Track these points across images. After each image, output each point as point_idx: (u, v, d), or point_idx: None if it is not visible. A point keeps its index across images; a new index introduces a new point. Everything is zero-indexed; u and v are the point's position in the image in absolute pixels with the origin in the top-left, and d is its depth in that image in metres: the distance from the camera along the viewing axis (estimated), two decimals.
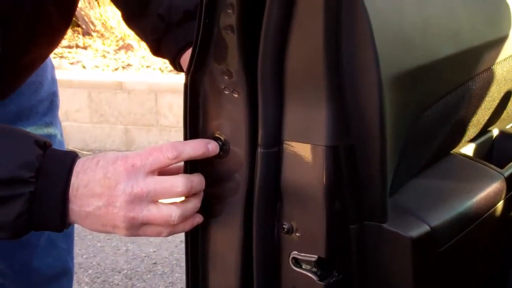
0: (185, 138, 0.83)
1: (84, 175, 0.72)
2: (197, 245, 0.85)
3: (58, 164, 0.72)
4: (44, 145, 0.72)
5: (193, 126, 0.81)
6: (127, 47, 5.21)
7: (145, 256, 2.44)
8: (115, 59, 4.94)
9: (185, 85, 0.81)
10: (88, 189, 0.72)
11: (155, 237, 2.55)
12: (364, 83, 0.70)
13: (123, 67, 4.67)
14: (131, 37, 5.46)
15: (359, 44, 0.68)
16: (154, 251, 2.47)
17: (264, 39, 0.71)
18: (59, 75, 4.21)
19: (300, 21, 0.70)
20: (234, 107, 0.77)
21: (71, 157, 0.74)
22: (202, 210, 0.82)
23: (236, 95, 0.76)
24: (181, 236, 2.64)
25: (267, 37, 0.71)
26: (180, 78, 4.04)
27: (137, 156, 0.74)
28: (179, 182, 0.76)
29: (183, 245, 2.48)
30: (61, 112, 4.04)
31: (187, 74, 0.80)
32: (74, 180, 0.72)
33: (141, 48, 5.23)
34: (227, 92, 0.78)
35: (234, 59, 0.75)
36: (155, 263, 2.38)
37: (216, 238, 0.83)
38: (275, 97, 0.74)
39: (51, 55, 1.22)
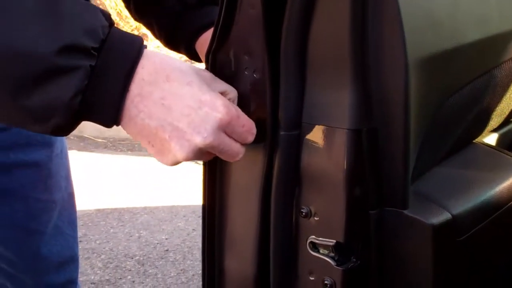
0: None
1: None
2: (213, 228, 0.84)
3: (125, 43, 0.61)
4: (110, 19, 0.62)
5: None
6: (142, 36, 5.22)
7: (157, 243, 2.44)
8: None
9: (206, 64, 0.79)
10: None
11: (167, 225, 2.54)
12: (389, 65, 0.68)
13: None
14: None
15: (385, 25, 0.67)
16: (166, 238, 2.48)
17: (288, 18, 0.70)
18: None
19: (326, 3, 0.68)
20: (254, 88, 0.76)
21: (140, 41, 0.63)
22: (220, 193, 0.81)
23: (257, 76, 0.75)
24: (194, 225, 2.63)
25: (291, 16, 0.70)
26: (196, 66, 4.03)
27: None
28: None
29: (195, 233, 2.49)
30: None
31: (207, 53, 0.79)
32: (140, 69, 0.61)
33: None
34: (247, 73, 0.77)
35: (256, 38, 0.73)
36: (167, 250, 2.38)
37: (233, 222, 0.82)
38: (297, 78, 0.73)
39: None
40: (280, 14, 0.71)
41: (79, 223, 2.62)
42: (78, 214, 2.71)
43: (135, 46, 0.62)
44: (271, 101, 0.74)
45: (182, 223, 2.62)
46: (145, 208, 2.80)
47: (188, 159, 0.66)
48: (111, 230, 2.56)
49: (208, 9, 1.11)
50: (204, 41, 1.10)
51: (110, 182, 3.09)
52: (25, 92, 0.57)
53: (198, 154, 0.67)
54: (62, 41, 0.56)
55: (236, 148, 0.70)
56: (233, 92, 0.74)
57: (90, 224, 2.61)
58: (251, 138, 0.72)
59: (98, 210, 2.78)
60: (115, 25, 0.62)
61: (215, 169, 0.82)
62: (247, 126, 0.71)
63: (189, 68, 0.68)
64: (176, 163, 0.68)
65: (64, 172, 1.26)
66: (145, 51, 0.63)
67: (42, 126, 0.60)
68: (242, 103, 0.77)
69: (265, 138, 0.76)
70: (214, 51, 0.78)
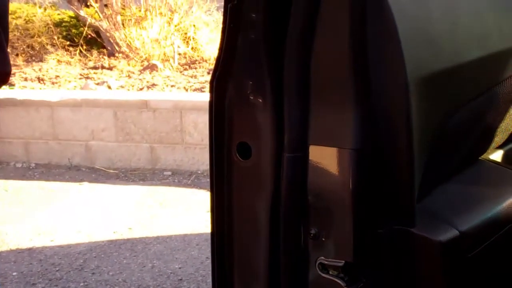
0: (211, 144, 0.83)
1: None
2: (223, 254, 0.85)
3: None
4: None
5: (218, 132, 0.82)
6: (152, 67, 5.28)
7: (170, 273, 2.43)
8: (140, 79, 5.01)
9: (210, 91, 0.81)
10: None
11: (181, 254, 2.52)
12: (390, 86, 0.69)
13: (148, 87, 4.73)
14: (156, 57, 5.53)
15: (385, 46, 0.68)
16: (179, 268, 2.47)
17: (290, 43, 0.72)
18: (85, 95, 4.25)
19: (326, 25, 0.70)
20: (259, 112, 0.77)
21: None
22: (228, 219, 0.82)
23: (261, 100, 0.76)
24: (207, 253, 2.63)
25: (293, 41, 0.72)
26: (204, 96, 4.07)
27: None
28: None
29: (208, 261, 2.47)
30: (87, 132, 4.08)
31: (212, 80, 0.80)
32: None
33: (166, 68, 5.30)
34: (252, 97, 0.78)
35: (259, 64, 0.75)
36: (181, 279, 2.37)
37: (242, 244, 0.83)
38: (300, 101, 0.74)
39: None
40: (282, 38, 0.73)
41: (92, 255, 2.63)
42: (91, 246, 2.72)
43: None
44: (276, 124, 0.76)
45: (195, 252, 2.61)
46: (157, 237, 2.80)
47: None
48: (124, 261, 2.55)
49: None
50: None
51: (123, 213, 3.10)
52: None
53: None
54: None
55: None
56: None
57: (103, 255, 2.62)
58: None
59: (111, 241, 2.78)
60: None
61: (223, 196, 0.83)
62: None
63: None
64: None
65: None
66: None
67: None
68: (247, 128, 0.79)
69: (271, 161, 0.77)
70: (218, 77, 0.79)
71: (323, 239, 0.74)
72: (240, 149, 0.80)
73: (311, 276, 0.75)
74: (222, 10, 0.78)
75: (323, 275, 0.73)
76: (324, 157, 0.73)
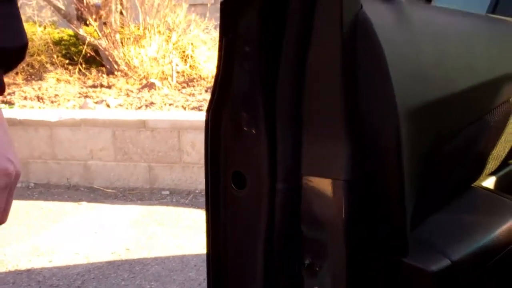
0: (206, 173, 0.84)
1: None
2: (219, 276, 0.85)
3: None
4: None
5: (214, 161, 0.83)
6: (150, 86, 5.31)
7: None
8: (138, 97, 5.03)
9: (206, 122, 0.82)
10: None
11: (178, 275, 2.51)
12: (381, 118, 0.70)
13: (146, 105, 4.75)
14: (154, 75, 5.56)
15: (375, 80, 0.69)
16: None
17: (282, 76, 0.73)
18: (84, 114, 4.25)
19: (317, 60, 0.71)
20: (252, 143, 0.78)
21: None
22: (222, 244, 0.82)
23: (254, 131, 0.78)
24: (205, 275, 2.61)
25: (285, 74, 0.73)
26: (202, 115, 4.08)
27: None
28: None
29: (205, 283, 2.46)
30: (86, 151, 4.08)
31: (208, 111, 0.82)
32: None
33: (164, 86, 5.32)
34: (246, 129, 0.79)
35: (253, 95, 0.76)
36: None
37: (237, 270, 0.83)
38: (293, 133, 0.75)
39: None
40: (275, 71, 0.74)
41: (90, 276, 2.62)
42: (89, 267, 2.71)
43: None
44: (269, 154, 0.77)
45: (193, 273, 2.61)
46: (155, 258, 2.79)
47: None
48: (122, 283, 2.55)
49: None
50: None
51: (121, 233, 3.10)
52: None
53: None
54: None
55: None
56: None
57: (101, 277, 2.61)
58: None
59: (109, 262, 2.78)
60: None
61: (218, 223, 0.84)
62: None
63: None
64: None
65: None
66: None
67: None
68: (241, 158, 0.80)
69: (265, 191, 0.78)
70: (214, 108, 0.81)
71: (317, 269, 0.74)
72: (235, 179, 0.81)
73: None
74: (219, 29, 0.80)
75: None
76: (317, 188, 0.74)
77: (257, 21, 0.75)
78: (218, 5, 0.81)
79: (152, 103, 4.82)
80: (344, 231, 0.72)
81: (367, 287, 0.73)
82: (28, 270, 2.72)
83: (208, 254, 0.85)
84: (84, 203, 3.56)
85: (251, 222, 0.80)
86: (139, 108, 4.75)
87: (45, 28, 6.77)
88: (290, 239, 0.76)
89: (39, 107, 4.87)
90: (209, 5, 6.00)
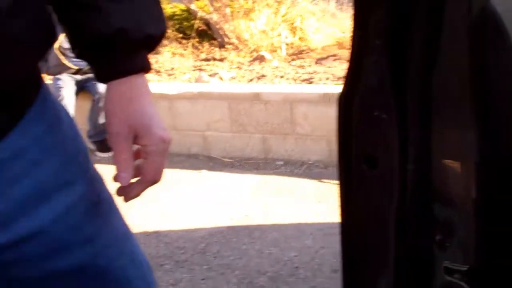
0: (340, 155, 0.92)
1: None
2: (353, 247, 0.93)
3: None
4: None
5: (345, 144, 0.90)
6: (261, 58, 5.44)
7: (287, 260, 2.56)
8: (249, 70, 5.18)
9: (339, 107, 0.90)
10: None
11: (296, 242, 2.63)
12: (510, 106, 0.74)
13: (258, 78, 4.88)
14: (264, 48, 5.68)
15: (505, 70, 0.73)
16: (295, 256, 2.59)
17: (412, 68, 0.79)
18: (200, 88, 4.45)
19: (445, 52, 0.76)
20: (384, 128, 0.85)
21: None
22: (355, 219, 0.90)
23: (385, 116, 0.84)
24: (321, 243, 2.72)
25: (414, 66, 0.78)
26: (313, 88, 4.15)
27: None
28: None
29: (323, 251, 2.58)
30: (203, 123, 4.29)
31: (340, 98, 0.89)
32: None
33: (274, 58, 5.43)
34: (376, 114, 0.86)
35: (383, 83, 0.82)
36: (297, 267, 2.49)
37: (368, 249, 0.91)
38: (423, 118, 0.81)
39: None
40: (404, 61, 0.80)
41: (213, 239, 2.82)
42: (211, 231, 2.91)
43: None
44: (400, 138, 0.83)
45: (309, 241, 2.72)
46: (273, 225, 2.94)
47: None
48: (243, 247, 2.72)
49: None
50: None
51: (239, 200, 3.28)
52: None
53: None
54: None
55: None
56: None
57: (223, 241, 2.80)
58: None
59: (230, 227, 2.96)
60: None
61: (351, 197, 0.92)
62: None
63: None
64: None
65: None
66: None
67: None
68: (372, 142, 0.86)
69: (396, 173, 0.84)
70: (345, 95, 0.88)
71: (447, 244, 0.80)
72: (367, 160, 0.88)
73: (436, 281, 0.82)
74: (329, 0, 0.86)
75: (448, 278, 0.80)
76: (447, 170, 0.79)
77: (387, 16, 0.80)
78: None
79: (263, 75, 4.94)
80: (474, 212, 0.77)
81: (500, 261, 0.78)
82: (156, 232, 2.96)
83: (341, 226, 0.93)
84: (204, 171, 3.79)
85: (384, 198, 0.86)
86: (251, 80, 4.89)
87: None
88: (421, 215, 0.82)
89: (158, 80, 5.16)
90: None
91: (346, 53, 5.60)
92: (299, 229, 2.87)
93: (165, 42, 6.40)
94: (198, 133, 4.08)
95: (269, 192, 3.38)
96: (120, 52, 0.79)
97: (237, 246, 2.75)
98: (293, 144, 3.80)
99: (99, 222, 0.85)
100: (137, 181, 0.82)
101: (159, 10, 0.83)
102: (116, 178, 0.80)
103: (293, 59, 5.45)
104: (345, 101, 0.89)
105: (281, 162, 3.82)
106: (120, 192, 0.82)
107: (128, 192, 0.82)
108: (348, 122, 0.89)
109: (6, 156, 0.72)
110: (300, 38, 5.88)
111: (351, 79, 0.87)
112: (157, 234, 2.95)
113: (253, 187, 3.48)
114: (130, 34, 0.77)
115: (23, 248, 0.75)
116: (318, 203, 3.16)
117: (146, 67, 0.82)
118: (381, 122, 0.85)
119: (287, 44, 5.77)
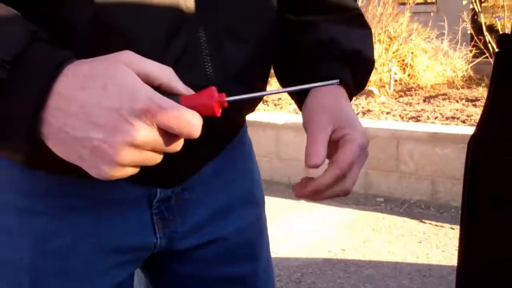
0: (464, 193, 0.93)
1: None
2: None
3: (44, 59, 0.55)
4: (34, 33, 0.56)
5: (473, 184, 0.92)
6: (368, 93, 5.43)
7: None
8: (355, 104, 5.19)
9: (467, 149, 0.91)
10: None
11: (392, 281, 2.56)
12: None
13: (364, 113, 4.88)
14: (372, 83, 5.67)
15: None
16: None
17: None
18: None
19: None
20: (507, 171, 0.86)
21: (60, 57, 0.56)
22: (476, 261, 0.90)
23: None
24: (418, 284, 2.64)
25: None
26: (421, 126, 4.08)
27: None
28: None
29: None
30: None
31: (470, 141, 0.91)
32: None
33: (381, 94, 5.40)
34: (505, 157, 0.87)
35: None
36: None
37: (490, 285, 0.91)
38: None
39: None
40: None
41: (309, 270, 2.84)
42: (307, 262, 2.93)
43: (54, 61, 0.56)
44: None
45: (406, 281, 2.66)
46: (369, 262, 2.91)
47: (124, 160, 0.55)
48: (338, 280, 2.71)
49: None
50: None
51: (336, 234, 3.28)
52: None
53: (134, 151, 0.55)
54: None
55: (168, 141, 0.57)
56: (163, 73, 0.58)
57: (318, 272, 2.81)
58: (186, 130, 0.56)
59: (326, 260, 2.96)
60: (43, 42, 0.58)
61: (473, 237, 0.92)
62: (176, 118, 0.55)
63: (104, 70, 0.56)
64: (113, 171, 0.55)
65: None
66: (67, 66, 0.56)
67: None
68: (502, 184, 0.87)
69: None
70: (476, 139, 0.90)
71: None
72: (493, 201, 0.88)
73: None
74: (441, 38, 0.89)
75: None
76: None
77: None
78: (441, 14, 0.89)
79: (369, 110, 4.93)
80: None
81: None
82: None
83: (459, 267, 0.94)
84: (303, 201, 3.83)
85: (509, 240, 0.87)
86: (357, 114, 4.89)
87: None
88: None
89: (264, 110, 5.30)
90: (432, 14, 5.91)
91: (455, 93, 5.46)
92: (396, 268, 2.82)
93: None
94: (300, 162, 4.13)
95: (367, 228, 3.36)
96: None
97: (332, 279, 2.75)
98: (396, 182, 3.75)
99: (265, 245, 0.92)
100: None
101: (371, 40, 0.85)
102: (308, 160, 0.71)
103: (400, 96, 5.40)
104: (475, 145, 0.91)
105: (382, 199, 3.78)
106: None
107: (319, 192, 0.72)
108: (477, 164, 0.91)
109: (210, 173, 0.82)
110: (409, 75, 5.81)
111: (483, 127, 0.89)
112: None
113: (351, 222, 3.46)
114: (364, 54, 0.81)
115: (208, 249, 0.84)
116: (418, 243, 3.09)
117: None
118: (509, 165, 0.86)
119: (395, 81, 5.72)
